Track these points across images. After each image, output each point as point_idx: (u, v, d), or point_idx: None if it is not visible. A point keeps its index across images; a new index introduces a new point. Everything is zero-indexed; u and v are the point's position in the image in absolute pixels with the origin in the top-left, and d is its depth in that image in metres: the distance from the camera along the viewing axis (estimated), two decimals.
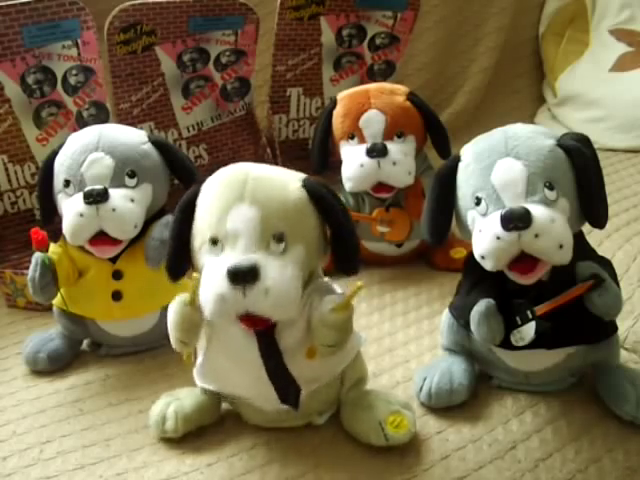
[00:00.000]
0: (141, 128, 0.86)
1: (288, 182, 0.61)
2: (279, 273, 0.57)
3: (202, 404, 0.69)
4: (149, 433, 0.69)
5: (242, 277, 0.56)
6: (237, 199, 0.59)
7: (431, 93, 1.46)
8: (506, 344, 0.66)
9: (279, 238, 0.58)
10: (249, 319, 0.58)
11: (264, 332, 0.60)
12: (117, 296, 0.78)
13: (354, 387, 0.69)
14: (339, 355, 0.65)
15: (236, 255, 0.57)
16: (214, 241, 0.59)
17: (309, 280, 0.62)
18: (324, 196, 0.61)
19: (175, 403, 0.68)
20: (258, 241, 0.58)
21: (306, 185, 0.61)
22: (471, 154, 0.67)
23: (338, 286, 0.65)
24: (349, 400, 0.68)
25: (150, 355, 0.82)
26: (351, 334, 0.62)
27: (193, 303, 0.61)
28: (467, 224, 0.67)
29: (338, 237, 0.62)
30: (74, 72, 0.99)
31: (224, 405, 0.71)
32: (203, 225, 0.60)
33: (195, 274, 0.61)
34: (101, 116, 1.03)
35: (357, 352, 0.69)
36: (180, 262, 0.63)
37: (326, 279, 0.65)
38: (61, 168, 0.77)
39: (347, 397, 0.68)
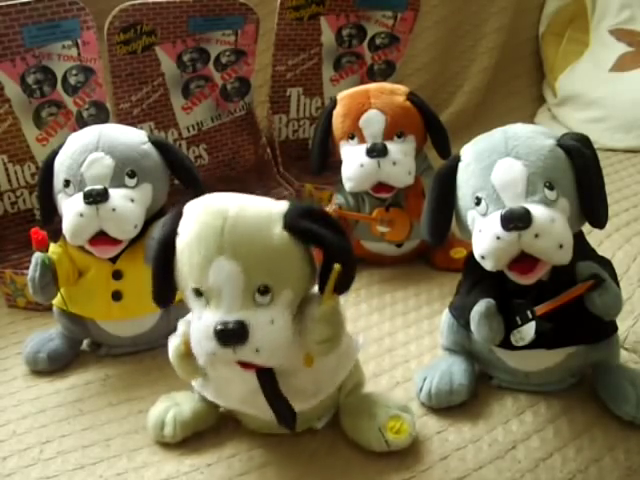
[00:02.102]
0: (141, 128, 0.86)
1: (268, 225, 0.57)
2: (268, 329, 0.56)
3: (200, 410, 0.68)
4: (149, 433, 0.69)
5: (230, 340, 0.55)
6: (216, 252, 0.55)
7: (431, 93, 1.46)
8: (506, 344, 0.66)
9: (264, 290, 0.56)
10: (244, 363, 0.58)
11: (262, 368, 0.60)
12: (117, 296, 0.78)
13: (352, 392, 0.69)
14: (339, 363, 0.65)
15: (222, 313, 0.55)
16: (198, 292, 0.57)
17: (301, 303, 0.60)
18: (307, 230, 0.57)
19: (174, 409, 0.68)
20: (243, 296, 0.56)
21: (287, 224, 0.57)
22: (471, 154, 0.67)
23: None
24: (347, 405, 0.68)
25: (150, 355, 0.82)
26: (343, 329, 0.61)
27: (188, 353, 0.60)
28: (467, 224, 0.67)
29: (330, 259, 0.58)
30: (74, 72, 0.99)
31: (222, 408, 0.71)
32: (185, 272, 0.58)
33: (186, 338, 0.60)
34: (101, 116, 1.03)
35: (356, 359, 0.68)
36: (166, 293, 0.61)
37: (314, 290, 0.62)
38: (61, 168, 0.77)
39: (345, 402, 0.68)
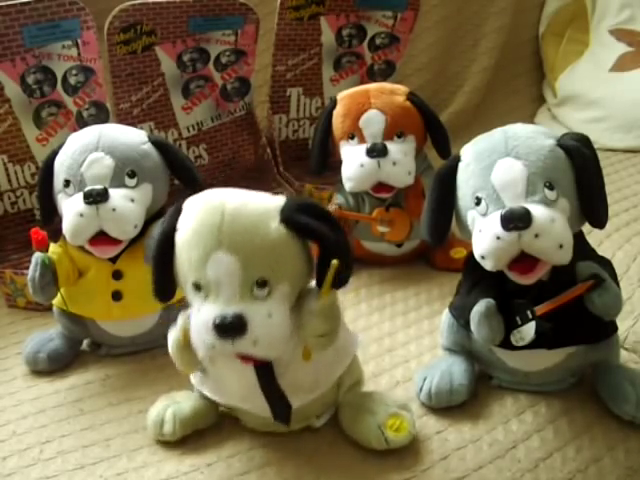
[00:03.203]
0: (141, 128, 0.86)
1: (265, 220, 0.57)
2: (266, 322, 0.56)
3: (200, 408, 0.69)
4: (149, 433, 0.69)
5: (229, 332, 0.55)
6: (215, 246, 0.56)
7: (431, 93, 1.46)
8: (506, 344, 0.66)
9: (262, 283, 0.57)
10: (243, 356, 0.59)
11: (260, 361, 0.60)
12: (117, 296, 0.78)
13: (351, 390, 0.69)
14: (337, 357, 0.65)
15: (220, 306, 0.56)
16: (197, 286, 0.58)
17: (298, 297, 0.61)
18: (304, 225, 0.58)
19: (173, 407, 0.68)
20: (241, 289, 0.56)
21: (284, 219, 0.58)
22: (471, 154, 0.67)
23: None
24: (347, 403, 0.68)
25: (150, 355, 0.82)
26: (340, 323, 0.61)
27: (187, 343, 0.61)
28: (467, 224, 0.67)
29: (326, 255, 0.58)
30: (74, 72, 0.99)
31: (222, 407, 0.71)
32: (184, 266, 0.59)
33: (185, 330, 0.61)
34: (101, 116, 1.03)
35: (353, 357, 0.68)
36: (166, 288, 0.62)
37: (312, 284, 0.62)
38: (61, 168, 0.77)
39: (344, 400, 0.68)
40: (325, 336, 0.60)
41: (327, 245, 0.59)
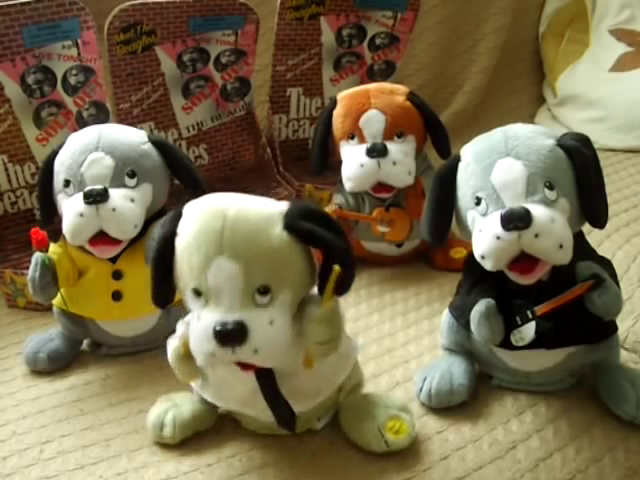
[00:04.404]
0: (141, 128, 0.86)
1: (268, 226, 0.56)
2: (267, 330, 0.55)
3: (199, 411, 0.68)
4: (149, 433, 0.69)
5: (229, 340, 0.55)
6: (216, 252, 0.55)
7: (431, 93, 1.46)
8: (506, 344, 0.66)
9: (264, 291, 0.56)
10: (243, 364, 0.58)
11: (261, 369, 0.60)
12: (117, 296, 0.78)
13: (351, 392, 0.69)
14: (338, 364, 0.65)
15: (221, 313, 0.55)
16: (197, 292, 0.57)
17: (300, 304, 0.60)
18: (307, 231, 0.57)
19: (173, 410, 0.68)
20: (242, 296, 0.55)
21: (287, 225, 0.57)
22: (471, 154, 0.67)
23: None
24: (347, 405, 0.68)
25: (150, 355, 0.82)
26: (342, 331, 0.61)
27: (187, 354, 0.60)
28: (467, 224, 0.67)
29: (329, 260, 0.58)
30: (74, 72, 0.99)
31: (221, 409, 0.71)
32: (184, 272, 0.58)
33: (185, 340, 0.60)
34: (101, 116, 1.03)
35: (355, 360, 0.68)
36: (165, 293, 0.61)
37: (314, 290, 0.62)
38: (61, 168, 0.77)
39: (345, 402, 0.68)
40: (327, 343, 0.59)
41: (330, 251, 0.58)
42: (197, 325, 0.57)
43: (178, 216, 0.59)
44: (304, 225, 0.57)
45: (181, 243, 0.58)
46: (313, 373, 0.62)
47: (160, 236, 0.59)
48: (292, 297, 0.58)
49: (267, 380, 0.61)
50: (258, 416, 0.65)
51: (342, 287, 0.59)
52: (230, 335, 0.55)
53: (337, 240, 0.58)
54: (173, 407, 0.68)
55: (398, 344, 0.83)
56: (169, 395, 0.71)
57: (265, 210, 0.58)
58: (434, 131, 0.99)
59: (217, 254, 0.55)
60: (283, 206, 0.58)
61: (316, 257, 0.60)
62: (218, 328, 0.55)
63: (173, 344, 0.62)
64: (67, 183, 0.77)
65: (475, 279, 0.69)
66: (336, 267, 0.57)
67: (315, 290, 0.61)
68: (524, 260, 0.62)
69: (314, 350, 0.60)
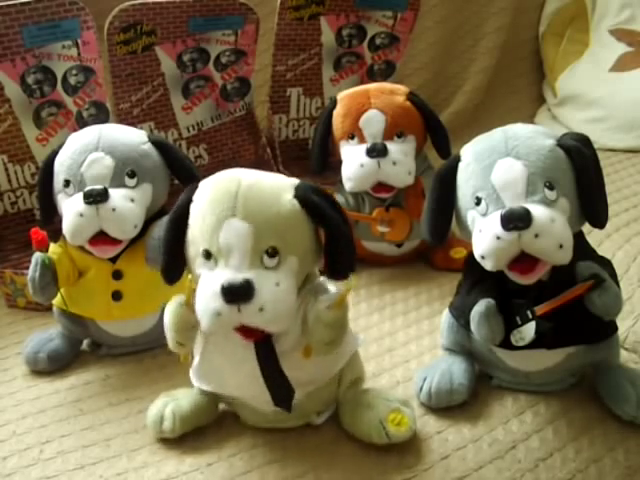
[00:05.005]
0: (141, 128, 0.86)
1: (280, 193, 0.60)
2: (273, 290, 0.57)
3: (200, 404, 0.69)
4: (149, 433, 0.69)
5: (237, 296, 0.56)
6: (229, 213, 0.58)
7: (431, 93, 1.46)
8: (506, 344, 0.66)
9: (272, 253, 0.58)
10: (245, 330, 0.59)
11: (262, 339, 0.60)
12: (117, 296, 0.78)
13: (352, 387, 0.69)
14: (335, 356, 0.65)
15: (230, 272, 0.57)
16: (207, 254, 0.59)
17: (305, 282, 0.62)
18: (317, 204, 0.60)
19: (173, 403, 0.68)
20: (251, 257, 0.57)
21: (298, 195, 0.60)
22: (471, 154, 0.67)
23: (333, 285, 0.64)
24: (347, 400, 0.68)
25: (150, 355, 0.82)
26: (346, 332, 0.62)
27: (189, 304, 0.61)
28: (467, 224, 0.67)
29: (332, 241, 0.61)
30: (74, 72, 0.99)
31: (222, 405, 0.71)
32: (196, 236, 0.60)
33: (190, 276, 0.61)
34: (101, 116, 1.03)
35: (354, 353, 0.69)
36: (176, 266, 0.63)
37: (321, 279, 0.64)
38: (61, 168, 0.77)
39: (345, 397, 0.68)
40: (331, 344, 0.61)
41: (333, 230, 0.60)
42: (205, 284, 0.58)
43: (194, 188, 0.62)
44: (314, 198, 0.60)
45: (196, 207, 0.60)
46: (309, 360, 0.63)
47: (176, 206, 0.62)
48: (298, 265, 0.60)
49: (267, 352, 0.61)
50: (256, 402, 0.66)
51: (340, 272, 0.61)
52: (237, 291, 0.56)
53: (341, 220, 0.61)
54: (172, 401, 0.68)
55: (398, 344, 0.83)
56: (169, 392, 0.71)
57: (278, 180, 0.61)
58: (434, 131, 0.99)
59: (230, 215, 0.58)
60: (294, 180, 0.62)
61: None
62: (226, 285, 0.56)
63: (176, 299, 0.63)
64: (67, 183, 0.77)
65: (475, 279, 0.69)
66: (353, 282, 0.60)
67: (323, 280, 0.63)
68: (524, 260, 0.62)
69: (317, 347, 0.61)
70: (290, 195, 0.60)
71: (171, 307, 0.63)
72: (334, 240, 0.60)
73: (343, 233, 0.61)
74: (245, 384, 0.64)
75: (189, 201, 0.61)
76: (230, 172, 0.62)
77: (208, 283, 0.58)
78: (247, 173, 0.61)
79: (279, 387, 0.63)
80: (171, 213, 0.62)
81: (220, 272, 0.57)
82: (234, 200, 0.58)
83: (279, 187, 0.60)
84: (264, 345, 0.61)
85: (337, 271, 0.61)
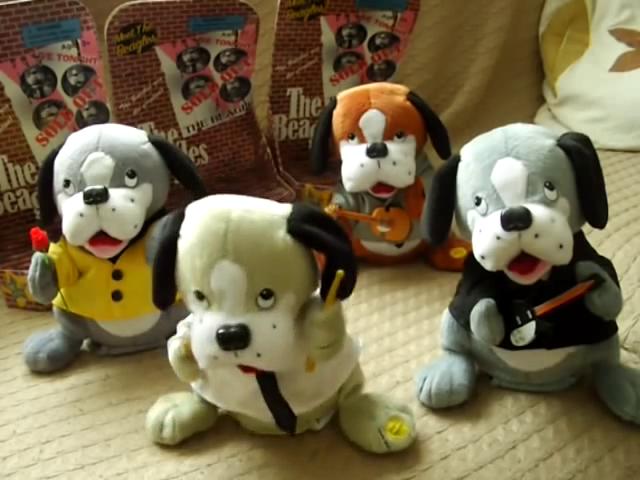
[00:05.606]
0: (141, 128, 0.86)
1: (272, 229, 0.56)
2: (270, 333, 0.55)
3: (199, 411, 0.68)
4: (149, 433, 0.69)
5: (233, 343, 0.54)
6: (219, 255, 0.55)
7: (431, 93, 1.46)
8: (506, 344, 0.66)
9: (267, 294, 0.56)
10: (244, 366, 0.58)
11: (262, 373, 0.60)
12: (117, 296, 0.78)
13: (351, 393, 0.69)
14: (339, 367, 0.65)
15: (224, 316, 0.55)
16: (200, 295, 0.57)
17: (302, 307, 0.60)
18: (312, 235, 0.57)
19: (173, 411, 0.68)
20: (245, 300, 0.55)
21: (291, 229, 0.56)
22: (471, 154, 0.67)
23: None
24: (347, 406, 0.68)
25: (150, 355, 0.82)
26: (344, 335, 0.61)
27: (188, 356, 0.60)
28: (467, 224, 0.67)
29: (332, 266, 0.57)
30: (74, 72, 0.99)
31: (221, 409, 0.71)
32: (186, 276, 0.57)
33: (186, 341, 0.60)
34: (101, 116, 1.03)
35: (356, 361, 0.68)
36: (166, 294, 0.61)
37: (316, 293, 0.62)
38: (61, 168, 0.77)
39: (345, 403, 0.68)
40: (329, 347, 0.59)
41: (333, 255, 0.58)
42: (199, 328, 0.56)
43: (180, 217, 0.58)
44: (308, 229, 0.57)
45: (184, 245, 0.57)
46: (314, 374, 0.62)
47: (163, 237, 0.58)
48: (295, 300, 0.58)
49: (268, 383, 0.61)
50: (258, 417, 0.65)
51: (344, 291, 0.59)
52: (233, 339, 0.54)
53: (340, 244, 0.58)
54: (173, 408, 0.68)
55: (398, 344, 0.83)
56: (169, 395, 0.71)
57: (268, 213, 0.57)
58: (434, 131, 0.99)
59: (220, 257, 0.55)
60: (286, 209, 0.58)
61: (318, 260, 0.60)
62: (221, 331, 0.54)
63: (174, 345, 0.62)
64: (67, 183, 0.77)
65: (475, 279, 0.69)
66: (339, 272, 0.56)
67: (317, 293, 0.61)
68: (524, 260, 0.62)
69: (316, 354, 0.59)
70: (282, 231, 0.56)
71: (171, 358, 0.62)
72: (334, 265, 0.57)
73: (343, 257, 0.58)
74: (249, 402, 0.64)
75: (176, 235, 0.58)
76: (218, 204, 0.58)
77: (203, 327, 0.56)
78: (236, 205, 0.57)
79: (282, 414, 0.62)
80: (157, 247, 0.58)
81: (214, 316, 0.55)
82: (223, 240, 0.55)
83: (270, 222, 0.56)
84: (265, 378, 0.60)
85: (342, 292, 0.59)
